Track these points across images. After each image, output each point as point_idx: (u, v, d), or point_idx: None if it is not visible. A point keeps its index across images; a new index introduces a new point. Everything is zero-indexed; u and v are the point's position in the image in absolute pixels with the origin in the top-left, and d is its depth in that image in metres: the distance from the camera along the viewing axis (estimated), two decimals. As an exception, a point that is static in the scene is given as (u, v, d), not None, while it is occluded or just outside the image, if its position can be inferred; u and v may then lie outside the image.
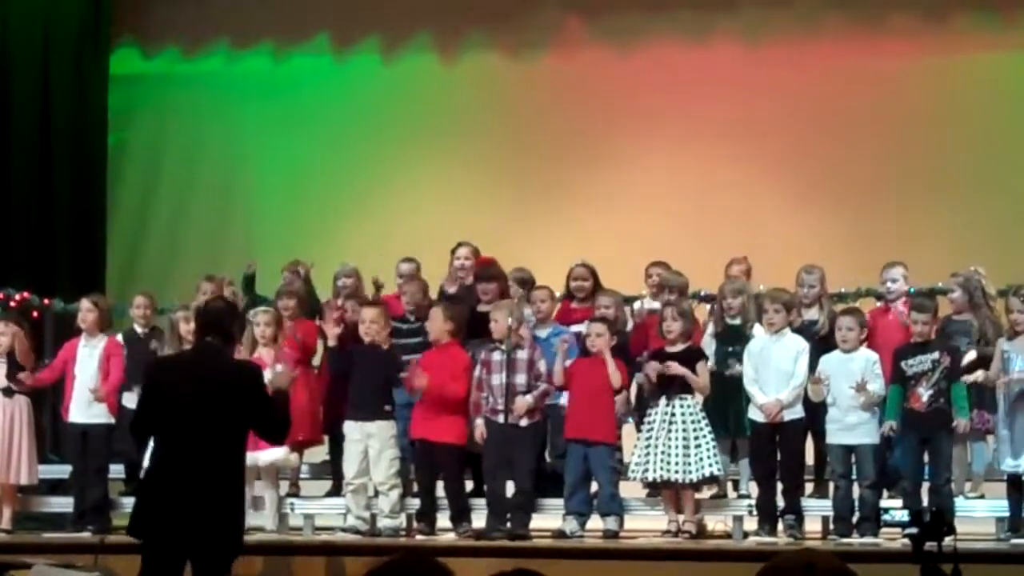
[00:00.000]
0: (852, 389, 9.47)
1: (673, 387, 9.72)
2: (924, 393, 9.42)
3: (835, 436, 9.63)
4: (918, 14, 14.14)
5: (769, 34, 14.19)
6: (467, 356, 10.08)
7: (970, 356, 9.72)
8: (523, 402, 9.78)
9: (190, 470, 6.77)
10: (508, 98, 14.63)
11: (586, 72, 14.45)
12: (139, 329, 10.98)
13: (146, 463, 7.74)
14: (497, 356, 9.92)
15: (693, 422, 9.68)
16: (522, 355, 9.90)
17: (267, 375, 9.96)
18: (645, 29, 14.44)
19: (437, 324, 10.04)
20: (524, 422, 9.81)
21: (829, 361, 9.70)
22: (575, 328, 10.35)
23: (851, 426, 9.55)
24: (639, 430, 9.98)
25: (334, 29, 15.03)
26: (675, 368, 9.66)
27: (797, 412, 9.68)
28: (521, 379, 9.85)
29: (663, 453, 9.64)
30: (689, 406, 9.70)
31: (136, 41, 15.20)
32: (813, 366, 9.69)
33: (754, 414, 9.73)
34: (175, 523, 6.76)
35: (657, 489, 9.94)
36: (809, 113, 13.95)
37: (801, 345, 9.75)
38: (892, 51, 13.94)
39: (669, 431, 9.67)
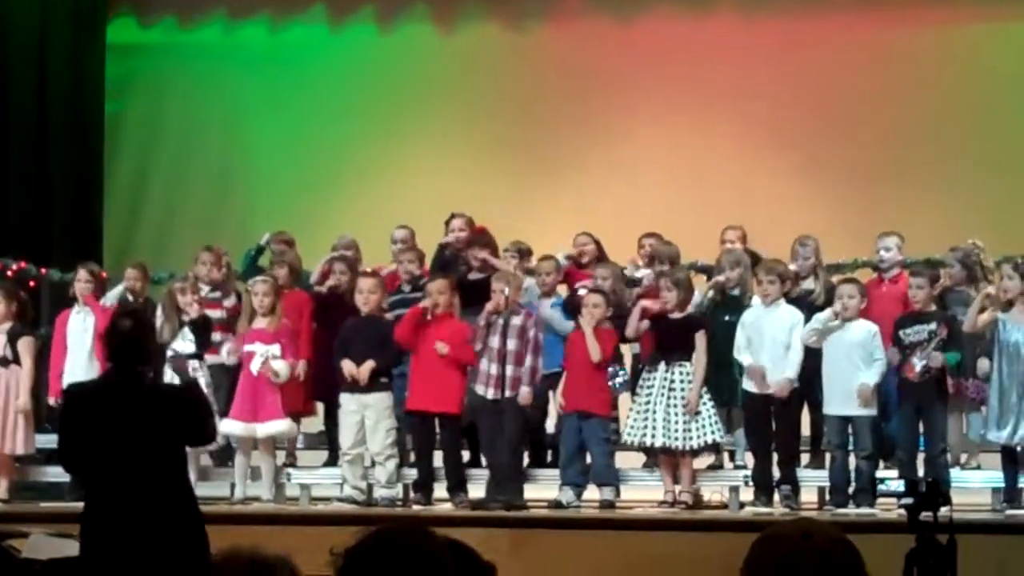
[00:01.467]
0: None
1: (672, 353, 9.72)
2: (917, 363, 9.41)
3: (832, 407, 9.62)
4: (919, -16, 14.12)
5: (768, 5, 14.13)
6: (468, 325, 10.08)
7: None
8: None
9: (131, 504, 6.40)
10: (505, 69, 14.58)
11: (584, 43, 14.40)
12: (130, 299, 10.78)
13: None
14: (494, 321, 9.92)
15: (692, 389, 9.67)
16: (516, 321, 9.89)
17: (262, 348, 10.12)
18: (643, 0, 14.39)
19: (446, 297, 10.02)
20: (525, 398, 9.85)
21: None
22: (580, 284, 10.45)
23: (848, 397, 9.54)
24: (634, 394, 9.96)
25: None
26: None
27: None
28: (513, 344, 9.84)
29: (664, 420, 9.63)
30: (688, 373, 9.68)
31: (133, 11, 15.16)
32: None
33: (748, 385, 9.72)
34: (129, 558, 6.37)
35: (655, 457, 9.95)
36: (808, 85, 13.90)
37: (796, 317, 9.71)
38: (892, 22, 13.88)
39: (668, 398, 9.66)
